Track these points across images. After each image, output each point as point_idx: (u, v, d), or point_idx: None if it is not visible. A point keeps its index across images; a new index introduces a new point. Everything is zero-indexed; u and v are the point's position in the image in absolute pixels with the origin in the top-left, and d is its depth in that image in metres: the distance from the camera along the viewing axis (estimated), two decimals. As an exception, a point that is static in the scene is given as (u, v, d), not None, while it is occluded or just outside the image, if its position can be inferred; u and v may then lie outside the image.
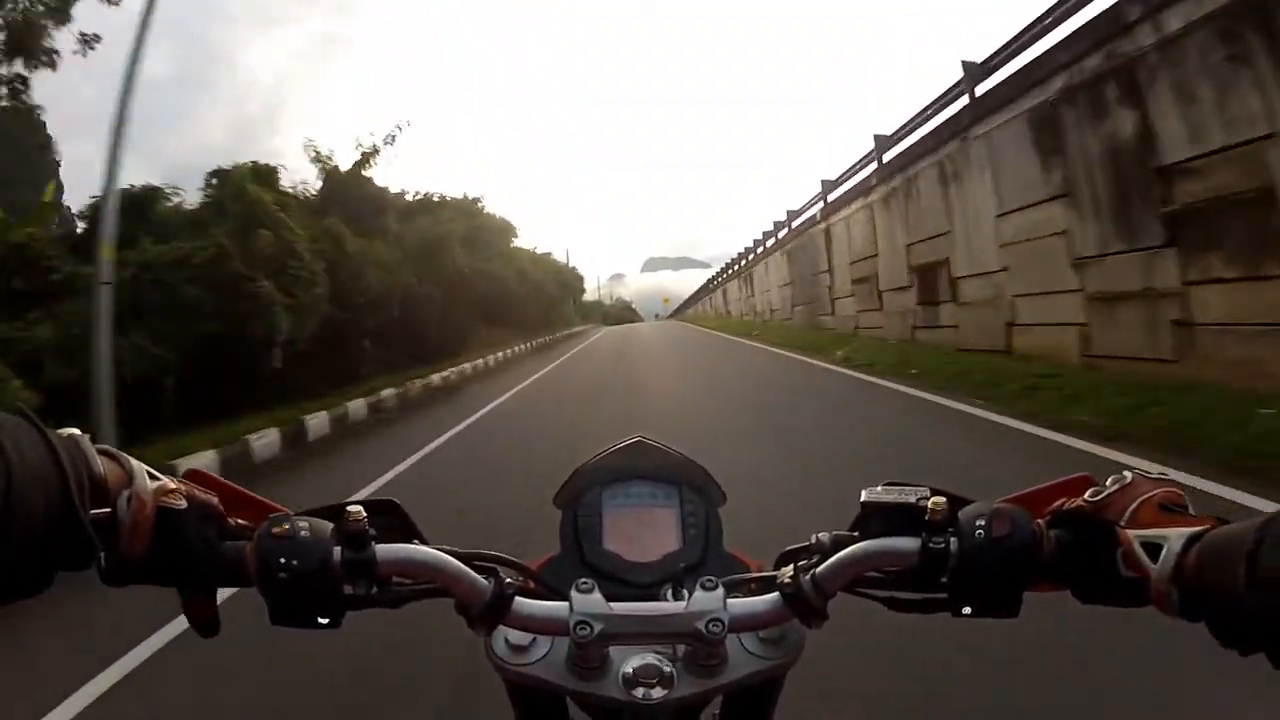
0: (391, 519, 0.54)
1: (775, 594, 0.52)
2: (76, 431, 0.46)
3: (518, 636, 0.55)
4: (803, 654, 0.56)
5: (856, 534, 0.53)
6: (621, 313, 70.72)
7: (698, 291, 48.25)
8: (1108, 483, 0.48)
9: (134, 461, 0.48)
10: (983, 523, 0.48)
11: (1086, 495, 0.48)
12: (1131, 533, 0.44)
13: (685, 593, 0.54)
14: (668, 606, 0.53)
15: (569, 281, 41.70)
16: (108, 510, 0.45)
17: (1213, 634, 0.40)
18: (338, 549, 0.49)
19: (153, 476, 0.48)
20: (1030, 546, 0.48)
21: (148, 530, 0.46)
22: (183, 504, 0.48)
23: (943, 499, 0.50)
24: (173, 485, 0.49)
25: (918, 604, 0.51)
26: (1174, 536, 0.42)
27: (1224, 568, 0.38)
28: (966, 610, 0.49)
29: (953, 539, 0.49)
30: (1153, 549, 0.42)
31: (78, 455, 0.44)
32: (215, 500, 0.51)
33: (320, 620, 0.49)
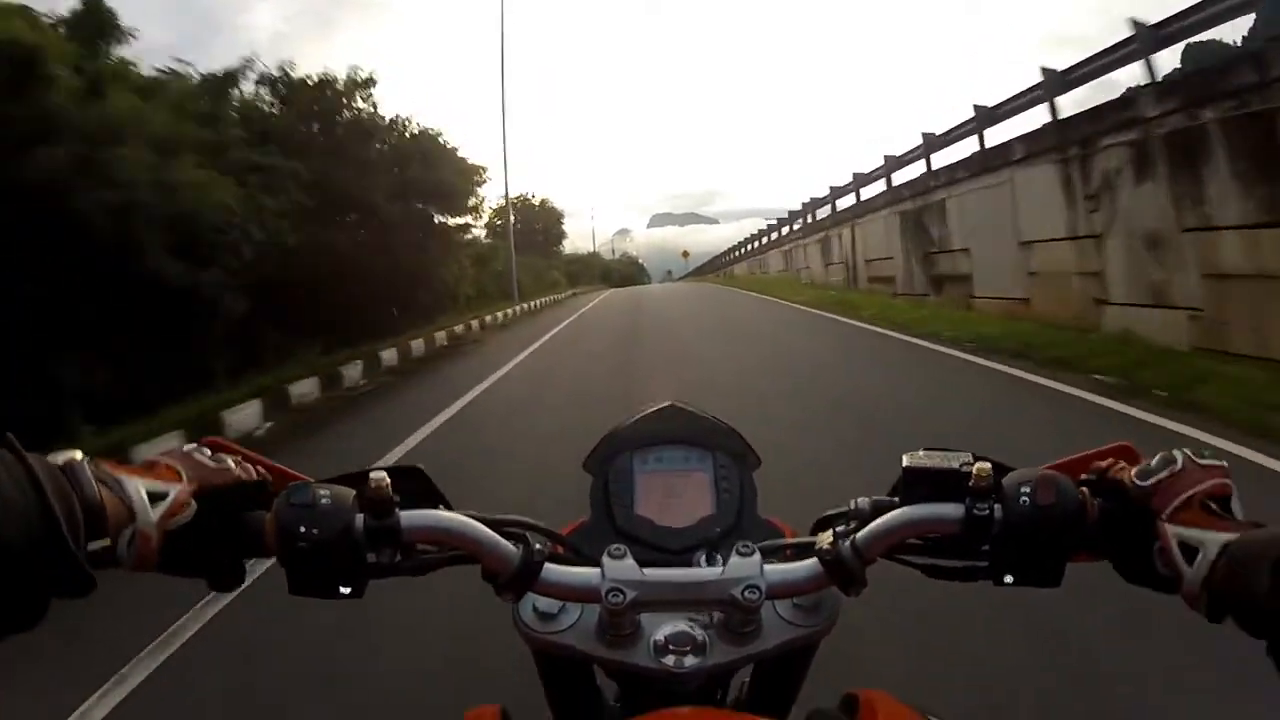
0: (416, 485, 0.53)
1: (814, 560, 0.51)
2: (76, 455, 0.41)
3: (546, 604, 0.54)
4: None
5: (896, 499, 0.51)
6: (627, 270, 66.45)
7: (749, 240, 31.92)
8: (1154, 463, 0.47)
9: (136, 489, 0.44)
10: (1028, 489, 0.47)
11: (1134, 473, 0.47)
12: (1171, 530, 0.44)
13: (720, 559, 0.53)
14: (703, 573, 0.52)
15: (468, 185, 15.59)
16: (106, 543, 0.41)
17: (1240, 627, 0.41)
18: (360, 516, 0.48)
19: (156, 498, 0.44)
20: (1075, 515, 0.47)
21: (153, 558, 0.44)
22: (191, 513, 0.46)
23: (987, 464, 0.49)
24: (182, 496, 0.46)
25: (959, 571, 0.51)
26: (1210, 542, 0.42)
27: (1250, 573, 0.39)
28: (1008, 579, 0.49)
29: (996, 506, 0.48)
30: (1189, 551, 0.43)
31: (68, 486, 0.40)
32: (232, 472, 0.49)
33: (343, 590, 0.48)
